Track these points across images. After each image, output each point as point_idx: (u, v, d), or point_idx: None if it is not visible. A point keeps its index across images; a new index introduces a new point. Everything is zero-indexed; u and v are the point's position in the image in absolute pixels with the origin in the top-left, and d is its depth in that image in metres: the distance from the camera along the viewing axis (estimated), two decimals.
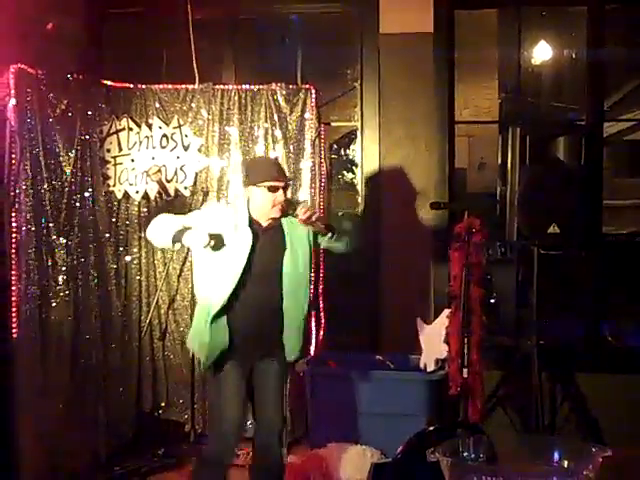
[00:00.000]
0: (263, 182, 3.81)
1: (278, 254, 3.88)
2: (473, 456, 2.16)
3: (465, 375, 4.35)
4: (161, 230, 3.87)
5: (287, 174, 4.19)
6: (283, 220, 3.92)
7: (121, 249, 5.21)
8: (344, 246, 4.02)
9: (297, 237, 3.94)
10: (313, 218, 3.82)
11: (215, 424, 4.01)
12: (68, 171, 4.78)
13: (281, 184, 3.83)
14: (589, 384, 5.10)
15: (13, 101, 4.44)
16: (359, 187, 5.59)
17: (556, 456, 2.12)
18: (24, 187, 4.49)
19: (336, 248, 4.08)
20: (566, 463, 2.10)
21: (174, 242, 3.80)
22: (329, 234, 3.90)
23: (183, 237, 3.75)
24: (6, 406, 4.43)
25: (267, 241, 3.88)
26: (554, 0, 6.05)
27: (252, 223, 3.86)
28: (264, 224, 3.89)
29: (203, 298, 3.92)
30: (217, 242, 3.76)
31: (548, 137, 5.00)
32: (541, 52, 7.88)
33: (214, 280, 3.82)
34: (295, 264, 3.90)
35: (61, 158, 4.75)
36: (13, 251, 4.45)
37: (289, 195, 4.02)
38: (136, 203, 5.23)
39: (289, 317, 3.90)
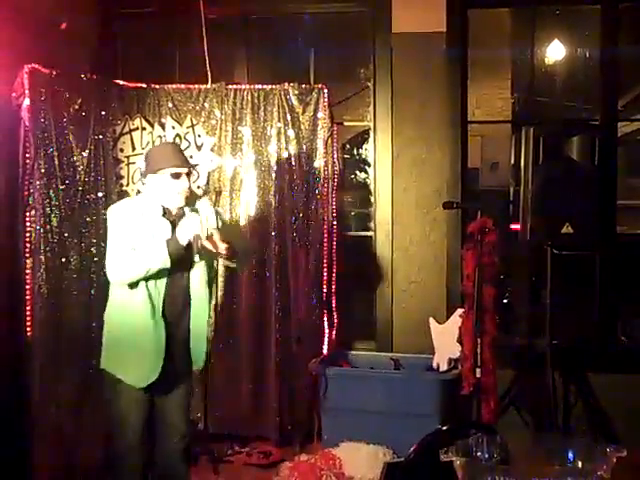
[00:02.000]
0: (165, 169, 3.64)
1: (188, 261, 3.69)
2: (486, 456, 2.15)
3: (478, 375, 4.34)
4: (140, 261, 3.56)
5: (189, 160, 3.99)
6: (187, 210, 3.69)
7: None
8: (239, 268, 3.89)
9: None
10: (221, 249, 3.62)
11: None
12: (82, 171, 4.80)
13: (184, 170, 3.67)
14: (603, 384, 5.08)
15: (27, 101, 4.47)
16: (372, 187, 5.59)
17: (570, 456, 2.11)
18: (38, 186, 4.52)
19: (231, 267, 3.97)
20: (580, 463, 2.08)
21: (176, 251, 3.55)
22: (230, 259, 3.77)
23: (177, 239, 3.55)
24: (20, 405, 4.46)
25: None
26: None
27: (165, 213, 3.68)
28: (174, 212, 3.70)
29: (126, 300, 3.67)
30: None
31: (561, 137, 4.99)
32: (554, 51, 7.84)
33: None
34: (200, 274, 3.77)
35: (75, 158, 4.77)
36: (27, 250, 4.48)
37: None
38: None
39: (196, 318, 3.77)
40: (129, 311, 3.66)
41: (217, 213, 3.97)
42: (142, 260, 3.55)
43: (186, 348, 3.78)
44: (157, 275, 3.61)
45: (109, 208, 3.81)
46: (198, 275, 3.76)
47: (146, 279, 3.60)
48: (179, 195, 3.67)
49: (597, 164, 5.04)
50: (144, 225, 3.63)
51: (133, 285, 3.61)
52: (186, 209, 3.68)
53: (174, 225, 3.64)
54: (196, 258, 3.68)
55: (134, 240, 3.59)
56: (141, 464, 3.78)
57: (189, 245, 3.57)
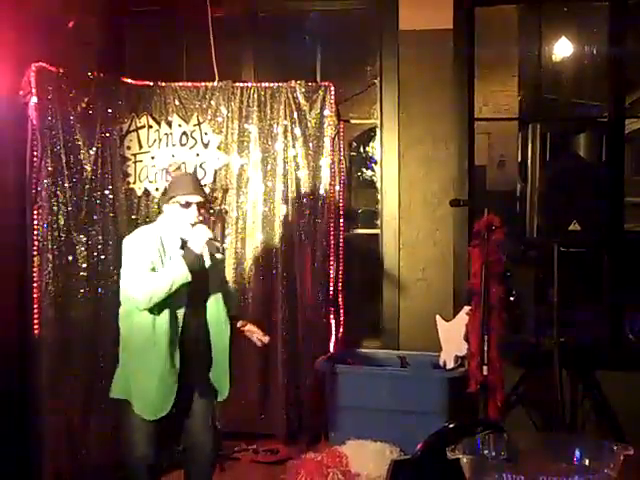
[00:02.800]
0: (175, 198, 3.72)
1: (203, 276, 3.75)
2: (493, 454, 2.15)
3: (485, 372, 4.34)
4: (162, 280, 3.59)
5: (203, 191, 4.01)
6: None
7: None
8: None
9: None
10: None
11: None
12: (89, 169, 4.81)
13: (194, 200, 3.72)
14: (610, 382, 5.07)
15: (35, 99, 4.48)
16: (378, 184, 5.59)
17: (577, 454, 2.11)
18: (45, 185, 4.53)
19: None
20: (587, 461, 2.09)
21: (193, 262, 3.63)
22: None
23: (191, 249, 3.64)
24: (28, 404, 4.47)
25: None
26: None
27: (183, 245, 3.73)
28: None
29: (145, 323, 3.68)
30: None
31: (569, 134, 4.97)
32: (562, 48, 7.82)
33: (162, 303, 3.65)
34: (216, 288, 3.82)
35: (82, 156, 4.78)
36: (34, 248, 4.49)
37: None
38: (156, 200, 5.25)
39: (216, 348, 3.82)
40: (146, 339, 3.65)
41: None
42: (163, 277, 3.59)
43: (206, 375, 3.81)
44: (177, 295, 3.63)
45: (125, 238, 3.84)
46: (215, 304, 3.80)
47: (167, 301, 3.62)
48: (189, 225, 3.71)
49: (604, 161, 5.03)
50: (162, 252, 3.68)
51: (154, 310, 3.62)
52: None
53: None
54: (218, 256, 3.74)
55: (153, 264, 3.65)
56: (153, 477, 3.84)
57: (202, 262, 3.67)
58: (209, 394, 3.86)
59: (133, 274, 3.65)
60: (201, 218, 3.78)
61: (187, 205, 3.71)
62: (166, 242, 3.72)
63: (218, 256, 3.83)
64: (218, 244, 3.72)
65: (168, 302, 3.62)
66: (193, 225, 3.70)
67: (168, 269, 3.61)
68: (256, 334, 4.05)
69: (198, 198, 3.76)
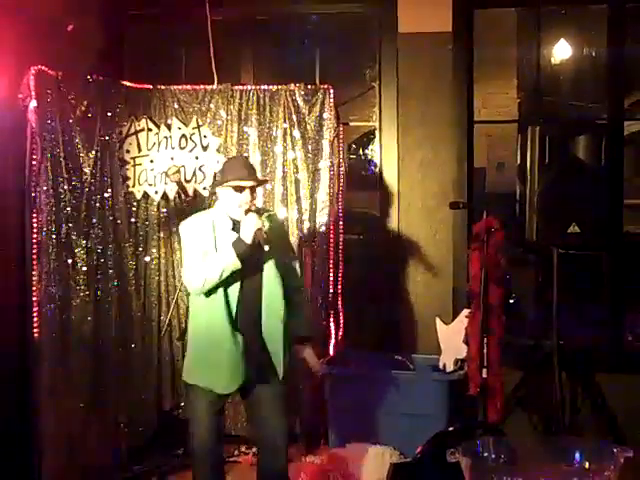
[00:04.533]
0: (228, 182, 3.76)
1: (259, 262, 3.81)
2: (493, 457, 2.15)
3: (484, 375, 4.34)
4: (212, 267, 3.69)
5: (257, 175, 4.05)
6: None
7: (140, 249, 5.23)
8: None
9: (274, 245, 3.86)
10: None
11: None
12: (88, 172, 4.81)
13: (247, 184, 3.76)
14: (610, 384, 5.06)
15: (34, 102, 4.47)
16: (377, 187, 5.58)
17: (577, 457, 2.11)
18: (44, 188, 4.52)
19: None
20: (587, 464, 2.09)
21: (243, 251, 3.67)
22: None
23: (242, 238, 3.67)
24: (27, 406, 4.47)
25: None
26: None
27: (235, 226, 3.78)
28: None
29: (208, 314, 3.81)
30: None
31: (568, 136, 4.97)
32: (561, 51, 7.84)
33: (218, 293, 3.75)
34: (271, 274, 3.84)
35: (81, 159, 4.78)
36: (34, 252, 4.49)
37: None
38: (155, 204, 5.25)
39: (269, 333, 3.85)
40: (208, 321, 3.77)
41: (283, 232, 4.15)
42: (214, 265, 3.67)
43: (267, 352, 3.85)
44: (231, 279, 3.71)
45: (181, 223, 3.92)
46: (271, 278, 3.83)
47: (222, 286, 3.71)
48: (240, 208, 3.75)
49: (604, 163, 5.02)
50: (214, 237, 3.76)
51: (210, 293, 3.72)
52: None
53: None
54: (266, 248, 3.75)
55: (206, 250, 3.73)
56: (218, 463, 3.96)
57: (256, 248, 3.71)
58: (273, 380, 3.89)
59: (187, 260, 3.80)
60: (255, 202, 3.83)
61: (240, 189, 3.73)
62: (218, 226, 3.78)
63: (265, 247, 3.77)
64: (266, 235, 3.71)
65: (225, 286, 3.71)
66: (246, 212, 3.73)
67: (218, 257, 3.69)
68: (312, 364, 4.09)
69: (252, 182, 3.79)
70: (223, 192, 3.81)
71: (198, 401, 3.84)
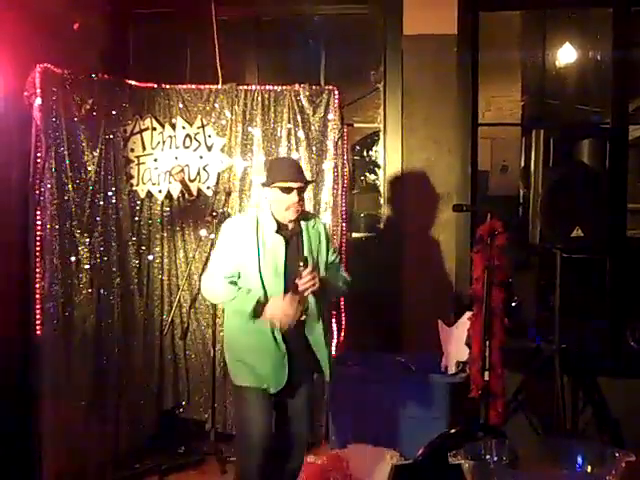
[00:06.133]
0: (276, 183, 3.70)
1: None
2: (495, 459, 2.15)
3: (486, 378, 4.33)
4: (226, 292, 3.71)
5: (306, 176, 4.04)
6: (303, 228, 3.82)
7: (143, 248, 5.24)
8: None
9: (317, 249, 3.84)
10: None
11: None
12: (92, 170, 4.82)
13: (295, 185, 3.69)
14: (611, 388, 5.06)
15: (39, 100, 4.48)
16: (381, 188, 5.59)
17: (579, 460, 2.11)
18: (49, 186, 4.53)
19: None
20: (589, 468, 2.08)
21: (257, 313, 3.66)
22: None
23: (266, 311, 3.66)
24: (28, 403, 4.47)
25: (294, 247, 3.77)
26: (579, 1, 6.01)
27: (280, 228, 3.75)
28: (290, 227, 3.78)
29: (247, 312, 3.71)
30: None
31: (572, 140, 4.98)
32: (565, 54, 7.82)
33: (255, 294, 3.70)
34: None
35: (85, 157, 4.79)
36: (37, 249, 4.50)
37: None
38: (159, 202, 5.26)
39: (312, 334, 3.81)
40: (248, 322, 3.70)
41: (327, 236, 4.01)
42: (229, 292, 3.68)
43: (306, 354, 3.80)
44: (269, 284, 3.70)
45: (225, 222, 3.90)
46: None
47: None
48: (288, 210, 3.71)
49: (608, 167, 5.02)
50: (256, 238, 3.70)
51: (250, 291, 3.69)
52: (302, 224, 3.79)
53: (288, 241, 3.73)
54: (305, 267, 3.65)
55: (243, 258, 3.69)
56: (268, 463, 3.84)
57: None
58: (311, 380, 3.91)
59: (211, 262, 3.84)
60: (303, 204, 3.79)
61: (288, 190, 3.68)
62: (262, 226, 3.73)
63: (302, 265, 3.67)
64: (302, 264, 3.61)
65: (265, 289, 3.68)
66: (290, 237, 3.72)
67: (240, 292, 3.66)
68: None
69: (299, 184, 3.73)
70: (270, 192, 3.75)
71: (249, 402, 3.78)
